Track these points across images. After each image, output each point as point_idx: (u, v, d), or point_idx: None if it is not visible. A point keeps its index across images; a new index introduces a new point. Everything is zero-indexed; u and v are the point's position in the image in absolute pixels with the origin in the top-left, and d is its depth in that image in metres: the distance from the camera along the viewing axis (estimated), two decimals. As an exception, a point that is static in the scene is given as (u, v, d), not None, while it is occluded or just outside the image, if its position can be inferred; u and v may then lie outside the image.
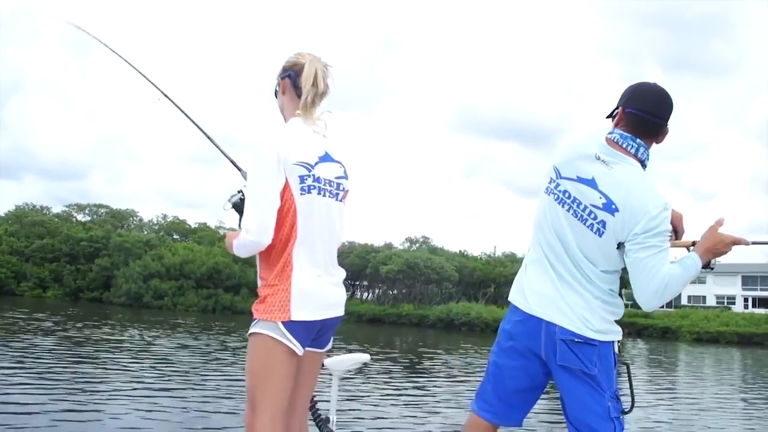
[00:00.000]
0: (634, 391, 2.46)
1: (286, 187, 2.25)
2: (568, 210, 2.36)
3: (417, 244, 55.26)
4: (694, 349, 32.36)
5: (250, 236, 2.22)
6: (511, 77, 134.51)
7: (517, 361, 2.45)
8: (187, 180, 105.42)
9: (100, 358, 12.38)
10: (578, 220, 2.33)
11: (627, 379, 2.46)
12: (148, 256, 45.16)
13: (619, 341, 2.39)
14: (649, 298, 2.25)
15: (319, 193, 2.31)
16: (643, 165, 2.35)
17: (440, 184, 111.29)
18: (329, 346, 2.50)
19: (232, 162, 2.81)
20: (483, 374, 2.61)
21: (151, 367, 11.59)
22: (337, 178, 2.40)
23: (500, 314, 34.26)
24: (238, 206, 2.46)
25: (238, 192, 2.47)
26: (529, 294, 2.42)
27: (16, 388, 8.15)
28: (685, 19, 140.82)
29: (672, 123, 2.37)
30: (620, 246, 2.29)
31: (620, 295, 2.40)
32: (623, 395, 2.39)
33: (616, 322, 2.38)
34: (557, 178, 2.41)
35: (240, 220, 2.41)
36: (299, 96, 2.39)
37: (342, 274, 2.46)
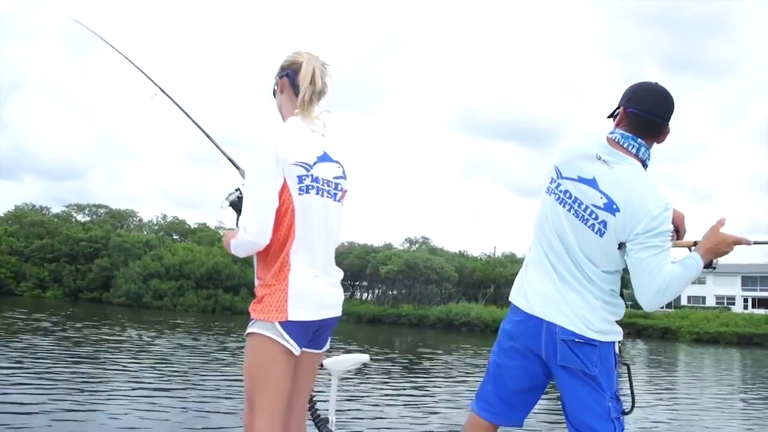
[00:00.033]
0: (635, 391, 2.45)
1: (285, 187, 2.24)
2: (569, 210, 2.35)
3: (417, 245, 55.28)
4: (694, 350, 32.37)
5: (248, 236, 2.21)
6: (511, 77, 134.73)
7: (518, 361, 2.45)
8: (186, 180, 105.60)
9: (100, 359, 12.38)
10: (579, 220, 2.32)
11: (627, 379, 2.46)
12: (147, 256, 45.14)
13: (619, 342, 2.39)
14: (651, 299, 2.24)
15: (317, 194, 2.30)
16: (645, 165, 2.34)
17: (440, 185, 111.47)
18: (327, 346, 2.49)
19: (230, 159, 2.80)
20: (483, 374, 2.60)
21: (151, 367, 11.58)
22: (336, 178, 2.39)
23: (500, 315, 34.34)
24: (236, 205, 2.45)
25: (236, 190, 2.46)
26: (530, 294, 2.42)
27: (15, 388, 8.14)
28: (685, 19, 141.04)
29: (672, 123, 2.37)
30: (621, 246, 2.28)
31: (621, 295, 2.39)
32: (623, 396, 2.39)
33: (617, 322, 2.38)
34: (558, 178, 2.41)
35: (237, 219, 2.40)
36: (297, 95, 2.38)
37: (340, 274, 2.45)
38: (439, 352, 21.54)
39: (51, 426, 6.23)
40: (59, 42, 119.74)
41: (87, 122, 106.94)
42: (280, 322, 2.21)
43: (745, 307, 64.16)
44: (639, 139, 2.33)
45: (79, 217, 56.86)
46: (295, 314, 2.22)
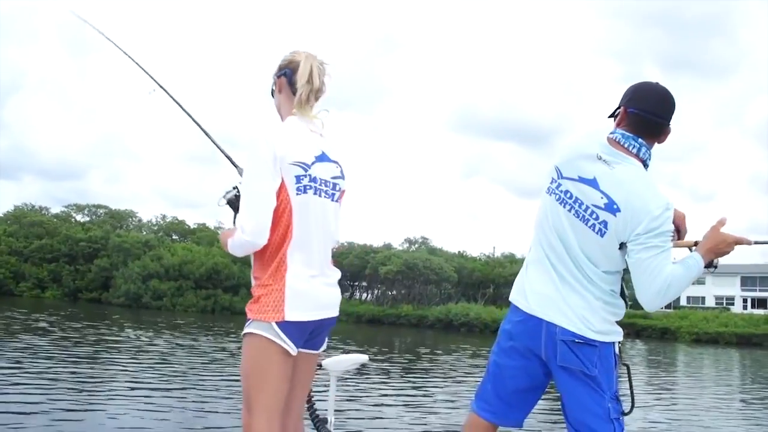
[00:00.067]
0: (634, 392, 2.45)
1: (282, 186, 2.23)
2: (569, 210, 2.35)
3: (416, 245, 55.29)
4: (693, 350, 32.38)
5: (246, 236, 2.20)
6: (510, 77, 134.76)
7: (518, 361, 2.44)
8: (185, 180, 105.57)
9: (99, 359, 12.37)
10: (580, 220, 2.32)
11: (627, 380, 2.45)
12: (147, 256, 45.14)
13: (620, 342, 2.38)
14: (652, 299, 2.23)
15: (315, 194, 2.30)
16: (645, 165, 2.33)
17: (439, 185, 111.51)
18: (324, 346, 2.49)
19: (227, 157, 2.78)
20: (482, 375, 2.60)
21: (150, 367, 11.57)
22: (334, 178, 2.38)
23: (499, 315, 34.36)
24: (233, 203, 2.44)
25: (234, 188, 2.45)
26: (530, 294, 2.41)
27: (14, 389, 8.12)
28: (685, 20, 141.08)
29: (672, 123, 2.36)
30: (622, 246, 2.27)
31: (623, 295, 2.38)
32: (623, 396, 2.38)
33: (617, 322, 2.37)
34: (559, 178, 2.40)
35: (234, 217, 2.39)
36: (295, 94, 2.37)
37: (337, 274, 2.44)
38: (438, 352, 21.53)
39: (50, 426, 6.22)
40: (59, 42, 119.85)
41: (86, 122, 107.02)
42: (276, 322, 2.21)
43: (745, 308, 64.22)
44: (640, 139, 2.32)
45: (79, 218, 56.89)
46: (291, 314, 2.22)
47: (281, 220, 2.24)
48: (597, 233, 2.28)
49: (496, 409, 2.49)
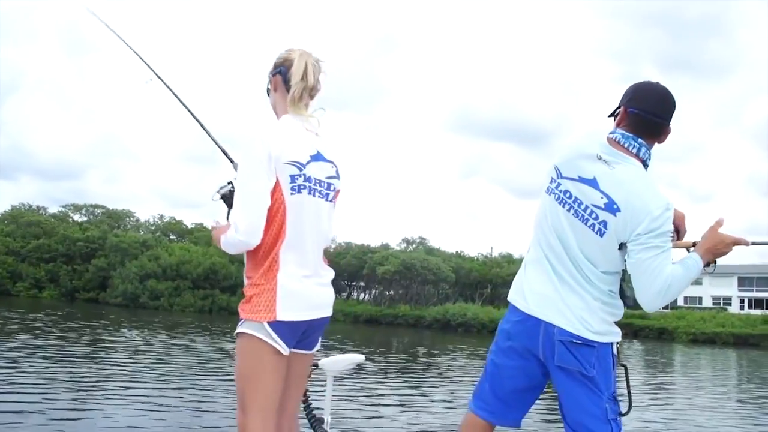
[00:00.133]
0: (632, 392, 2.44)
1: (277, 186, 2.21)
2: (569, 210, 2.34)
3: (414, 245, 55.32)
4: (690, 350, 32.44)
5: (239, 236, 2.18)
6: (509, 77, 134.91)
7: (516, 361, 2.43)
8: (183, 180, 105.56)
9: (96, 359, 12.34)
10: (579, 220, 2.31)
11: (624, 380, 2.44)
12: (144, 256, 45.14)
13: (618, 343, 2.37)
14: (652, 299, 2.23)
15: (309, 193, 2.28)
16: (645, 165, 2.32)
17: (437, 185, 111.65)
18: (317, 347, 2.47)
19: (223, 151, 2.74)
20: (479, 375, 2.59)
21: (147, 367, 11.56)
22: (328, 178, 2.36)
23: (497, 315, 34.39)
24: (227, 198, 2.42)
25: (228, 183, 2.43)
26: (529, 294, 2.40)
27: (11, 389, 8.10)
28: (684, 20, 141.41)
29: (672, 123, 2.36)
30: (621, 246, 2.26)
31: (623, 296, 2.37)
32: (620, 397, 2.37)
33: (615, 323, 2.36)
34: (558, 178, 2.39)
35: (228, 213, 2.37)
36: (289, 92, 2.35)
37: (330, 274, 2.43)
38: (435, 352, 21.53)
39: (47, 426, 6.20)
40: (57, 42, 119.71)
41: (84, 122, 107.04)
42: (268, 322, 2.19)
43: (742, 308, 64.31)
44: (640, 139, 2.31)
45: (76, 218, 56.85)
46: (283, 314, 2.20)
47: (275, 220, 2.22)
48: (596, 233, 2.27)
49: (494, 409, 2.48)
